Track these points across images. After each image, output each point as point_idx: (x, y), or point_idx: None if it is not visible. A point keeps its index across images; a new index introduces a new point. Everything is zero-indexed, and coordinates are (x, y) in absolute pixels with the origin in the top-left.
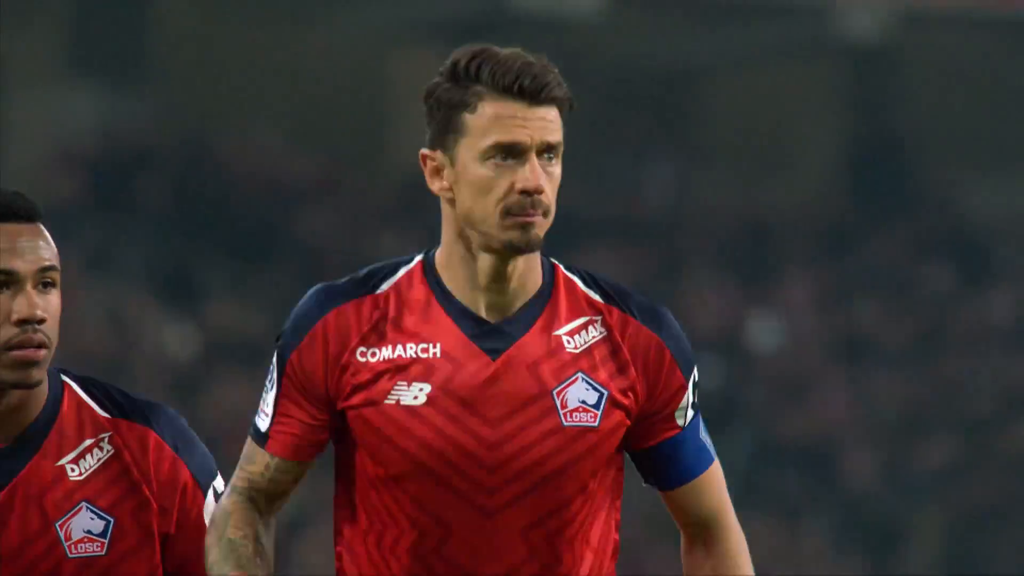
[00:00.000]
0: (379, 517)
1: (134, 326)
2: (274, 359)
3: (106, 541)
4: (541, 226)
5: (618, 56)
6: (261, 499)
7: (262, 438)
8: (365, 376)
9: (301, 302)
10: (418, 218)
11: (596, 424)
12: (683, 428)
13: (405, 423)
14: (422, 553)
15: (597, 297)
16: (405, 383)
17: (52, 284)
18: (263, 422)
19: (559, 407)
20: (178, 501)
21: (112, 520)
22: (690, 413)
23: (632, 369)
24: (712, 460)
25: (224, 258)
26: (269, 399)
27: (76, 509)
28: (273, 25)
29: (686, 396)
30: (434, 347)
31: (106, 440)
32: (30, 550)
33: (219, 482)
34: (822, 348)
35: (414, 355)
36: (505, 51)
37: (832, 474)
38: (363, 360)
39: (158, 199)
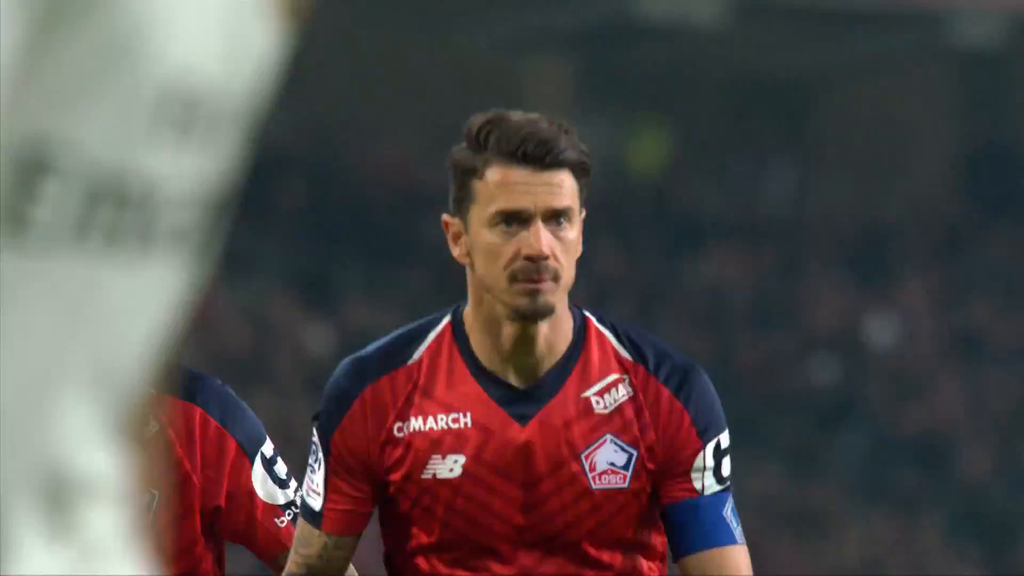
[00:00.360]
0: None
1: (273, 325)
2: (315, 438)
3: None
4: (551, 291)
5: (740, 63)
6: None
7: (316, 518)
8: (401, 451)
9: (335, 378)
10: None
11: (626, 485)
12: (701, 494)
13: (442, 495)
14: None
15: (627, 355)
16: (439, 456)
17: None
18: (315, 502)
19: (587, 470)
20: (227, 472)
21: (155, 494)
22: (711, 482)
23: (652, 431)
24: (734, 541)
25: (359, 260)
26: (317, 479)
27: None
28: (408, 35)
29: (701, 458)
30: (464, 417)
31: (152, 416)
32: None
33: (267, 447)
34: (937, 345)
35: (446, 426)
36: (519, 116)
37: (948, 469)
38: (399, 435)
39: (296, 203)
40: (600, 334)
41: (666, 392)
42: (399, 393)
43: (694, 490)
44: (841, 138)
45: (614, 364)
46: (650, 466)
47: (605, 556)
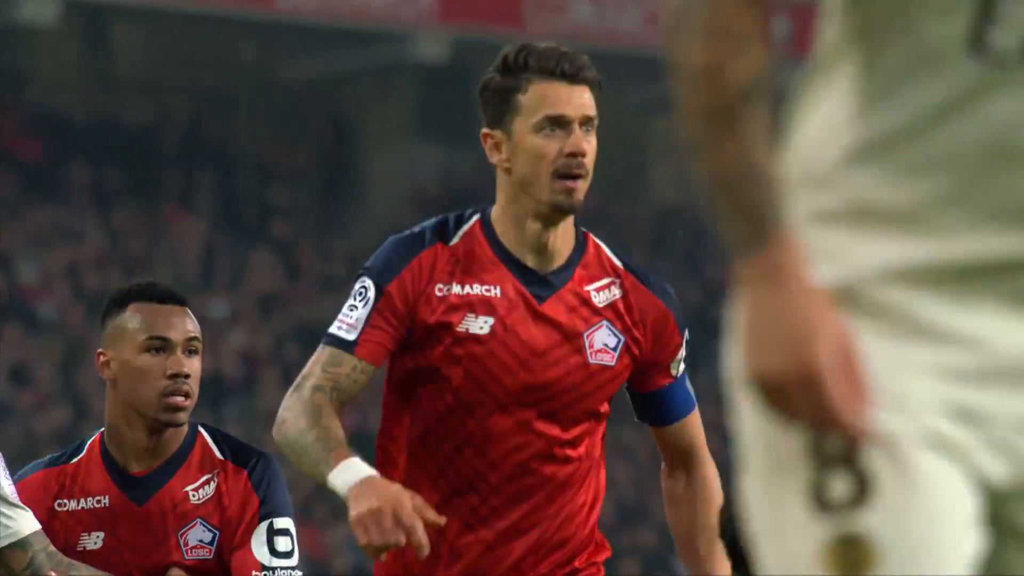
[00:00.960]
0: (429, 420)
1: None
2: (366, 287)
3: (213, 548)
4: (582, 190)
5: None
6: (338, 398)
7: (350, 346)
8: (443, 307)
9: (393, 243)
10: (670, 245)
11: (613, 364)
12: (675, 378)
13: (470, 348)
14: (462, 453)
15: (619, 264)
16: (473, 315)
17: (195, 352)
18: (349, 334)
19: (587, 347)
20: (244, 525)
21: (218, 532)
22: (682, 367)
23: (641, 326)
24: (695, 405)
25: None
26: (358, 315)
27: (192, 524)
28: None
29: (681, 352)
30: (495, 289)
31: (215, 476)
32: (157, 552)
33: (281, 521)
34: None
35: (480, 293)
36: (544, 44)
37: None
38: (442, 294)
39: None
40: (597, 245)
41: (653, 298)
42: (444, 263)
43: (672, 376)
44: None
45: (609, 269)
46: (635, 351)
47: (582, 420)
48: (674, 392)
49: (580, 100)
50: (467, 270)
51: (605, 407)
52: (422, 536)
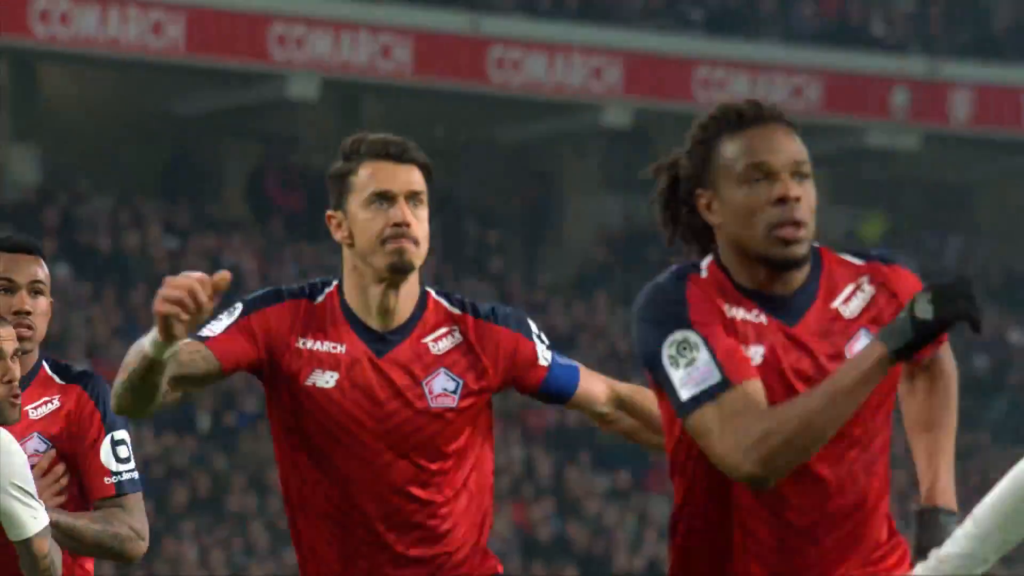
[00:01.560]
0: (302, 468)
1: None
2: (235, 307)
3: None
4: (413, 252)
5: (928, 174)
6: (174, 365)
7: (202, 338)
8: (295, 358)
9: (266, 291)
10: None
11: (455, 405)
12: (548, 365)
13: (319, 400)
14: (331, 493)
15: (456, 311)
16: (320, 369)
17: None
18: (205, 332)
19: (427, 393)
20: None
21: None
22: (546, 354)
23: (489, 357)
24: (577, 368)
25: None
26: (218, 325)
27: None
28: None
29: (536, 350)
30: (340, 346)
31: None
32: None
33: (121, 433)
34: None
35: (328, 350)
36: (377, 134)
37: None
38: (298, 346)
39: (664, 266)
40: (437, 300)
41: (497, 327)
42: (306, 317)
43: (544, 368)
44: (992, 220)
45: (447, 319)
46: (483, 384)
47: (440, 458)
48: (554, 375)
49: (406, 178)
50: (321, 327)
51: (462, 441)
52: (205, 296)
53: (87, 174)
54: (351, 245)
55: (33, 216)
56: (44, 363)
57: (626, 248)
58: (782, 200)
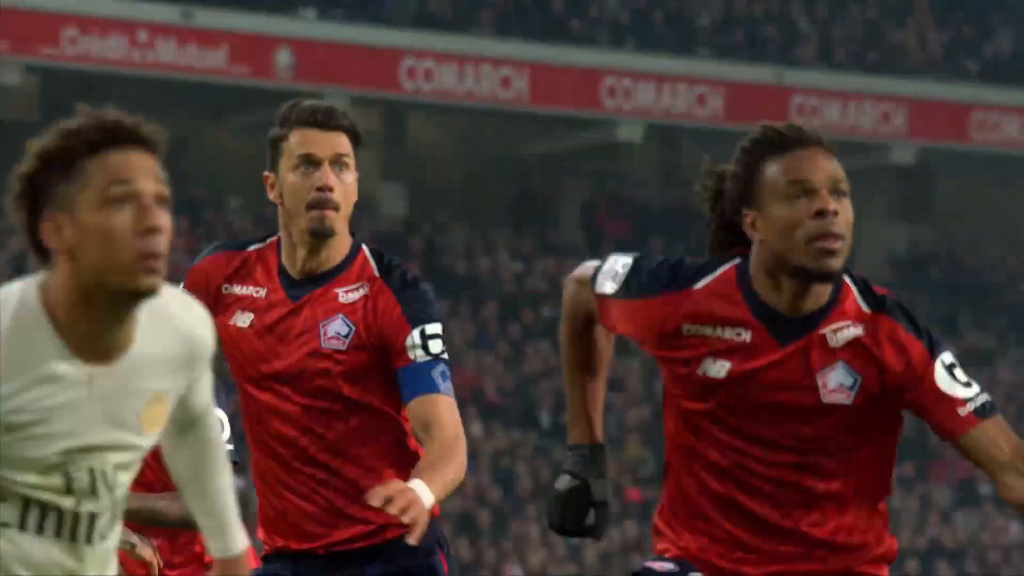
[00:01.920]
0: (241, 402)
1: None
2: (183, 277)
3: (347, 341)
4: (333, 218)
5: None
6: None
7: None
8: (223, 300)
9: (209, 247)
10: None
11: (344, 348)
12: (412, 362)
13: (236, 337)
14: (253, 427)
15: (376, 273)
16: (240, 310)
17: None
18: None
19: (322, 336)
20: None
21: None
22: (423, 355)
23: (374, 319)
24: (437, 390)
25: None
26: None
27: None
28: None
29: (411, 340)
30: (262, 291)
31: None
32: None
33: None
34: None
35: (250, 294)
36: (310, 100)
37: None
38: (224, 291)
39: (942, 294)
40: (366, 256)
41: (392, 297)
42: (238, 265)
43: (409, 360)
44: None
45: (364, 277)
46: (365, 340)
47: (327, 397)
48: (409, 374)
49: (332, 143)
50: (249, 275)
51: (350, 390)
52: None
53: (446, 207)
54: (282, 204)
55: (400, 244)
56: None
57: (911, 271)
58: (821, 213)
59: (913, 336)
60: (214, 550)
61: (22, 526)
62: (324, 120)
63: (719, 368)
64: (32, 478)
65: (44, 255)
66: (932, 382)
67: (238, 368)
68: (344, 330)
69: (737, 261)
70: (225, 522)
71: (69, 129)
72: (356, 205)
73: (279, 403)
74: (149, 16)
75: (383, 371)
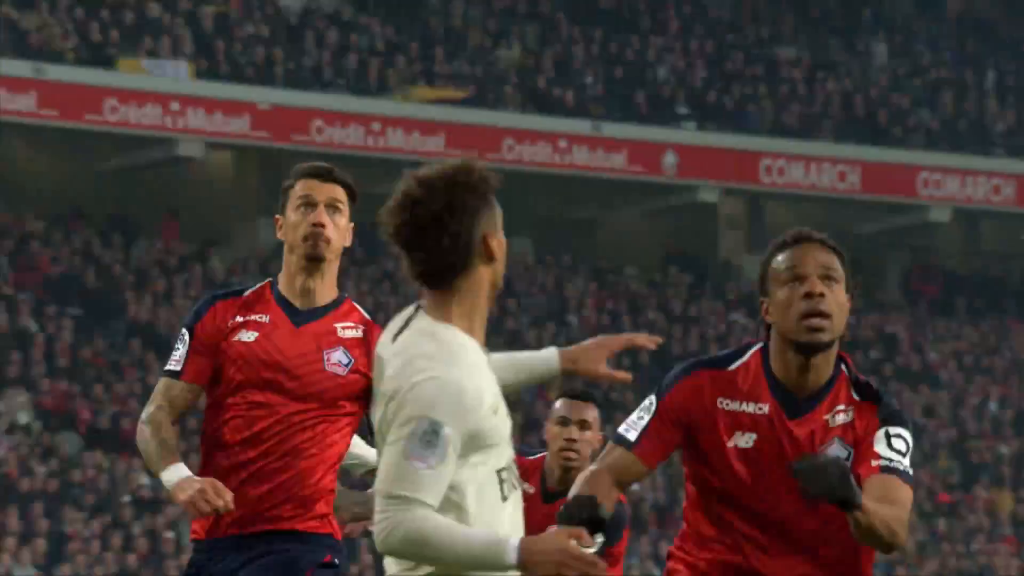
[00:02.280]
0: (222, 405)
1: None
2: (184, 336)
3: (347, 369)
4: (323, 248)
5: None
6: (173, 412)
7: (177, 375)
8: (231, 332)
9: (200, 302)
10: None
11: (344, 374)
12: None
13: (241, 350)
14: (238, 424)
15: (367, 317)
16: (246, 330)
17: None
18: (175, 366)
19: (325, 360)
20: None
21: (354, 361)
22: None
23: (367, 353)
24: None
25: None
26: (179, 355)
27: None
28: None
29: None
30: (265, 317)
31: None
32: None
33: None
34: None
35: (255, 319)
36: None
37: None
38: (230, 325)
39: None
40: (354, 305)
41: (377, 333)
42: (240, 305)
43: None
44: None
45: (358, 318)
46: (362, 371)
47: (321, 407)
48: None
49: (328, 190)
50: (251, 309)
51: (346, 405)
52: (229, 503)
53: None
54: (285, 240)
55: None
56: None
57: None
58: (809, 295)
59: (881, 416)
60: None
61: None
62: (323, 173)
63: (747, 440)
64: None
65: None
66: (871, 440)
67: (240, 374)
68: (345, 360)
69: (761, 345)
70: None
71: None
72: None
73: (278, 407)
74: (567, 128)
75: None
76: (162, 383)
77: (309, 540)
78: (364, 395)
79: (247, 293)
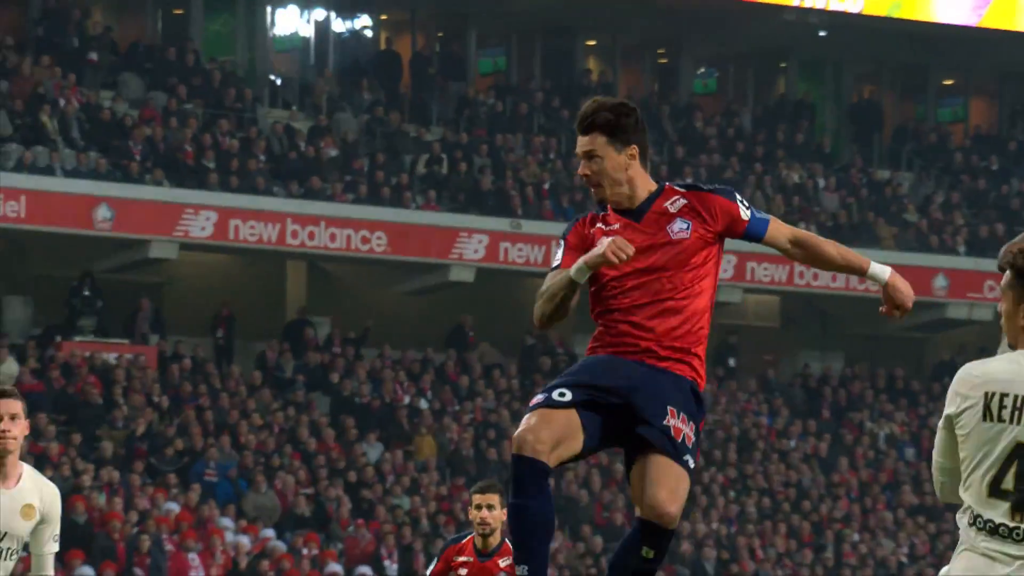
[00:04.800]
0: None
1: None
2: (559, 243)
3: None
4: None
5: None
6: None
7: (557, 267)
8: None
9: (573, 220)
10: None
11: (687, 237)
12: (748, 219)
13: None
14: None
15: (683, 189)
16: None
17: None
18: (555, 262)
19: (669, 231)
20: None
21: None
22: (746, 212)
23: (705, 214)
24: (769, 219)
25: None
26: (559, 253)
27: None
28: None
29: (739, 207)
30: (616, 225)
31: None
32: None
33: None
34: None
35: (600, 228)
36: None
37: None
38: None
39: None
40: (671, 186)
41: (708, 194)
42: (594, 218)
43: (745, 220)
44: None
45: (677, 194)
46: (706, 228)
47: (685, 271)
48: (752, 224)
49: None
50: (602, 219)
51: (699, 268)
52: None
53: None
54: None
55: None
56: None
57: None
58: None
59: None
60: None
61: None
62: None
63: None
64: None
65: None
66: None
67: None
68: (684, 225)
69: None
70: None
71: None
72: None
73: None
74: None
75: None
76: (551, 278)
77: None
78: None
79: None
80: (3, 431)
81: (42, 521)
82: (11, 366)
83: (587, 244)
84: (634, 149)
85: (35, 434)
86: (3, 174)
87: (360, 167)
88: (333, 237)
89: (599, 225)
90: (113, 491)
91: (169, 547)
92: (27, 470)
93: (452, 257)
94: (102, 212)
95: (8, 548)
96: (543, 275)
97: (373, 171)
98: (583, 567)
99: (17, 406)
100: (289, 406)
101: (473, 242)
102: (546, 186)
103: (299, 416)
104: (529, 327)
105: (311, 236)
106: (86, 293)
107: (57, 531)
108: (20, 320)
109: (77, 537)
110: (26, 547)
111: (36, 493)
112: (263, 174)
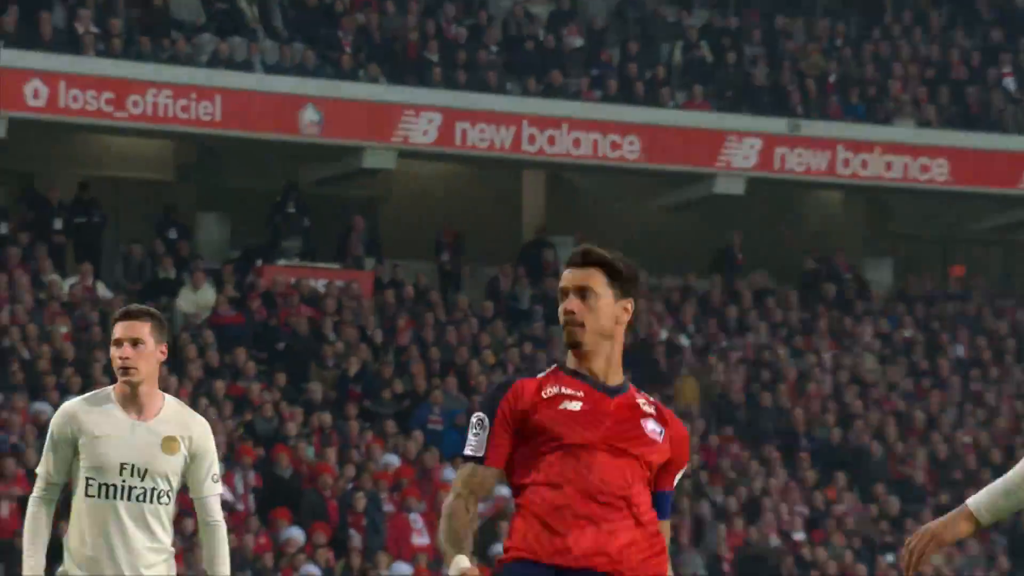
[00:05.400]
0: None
1: None
2: (484, 422)
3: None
4: (580, 334)
5: None
6: (474, 499)
7: (480, 460)
8: (539, 407)
9: (495, 388)
10: None
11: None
12: None
13: (563, 419)
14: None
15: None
16: (567, 401)
17: None
18: (470, 453)
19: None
20: None
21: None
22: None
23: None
24: None
25: None
26: (483, 438)
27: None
28: None
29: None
30: (580, 392)
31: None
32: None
33: None
34: None
35: (570, 393)
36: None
37: None
38: (540, 399)
39: None
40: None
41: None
42: (538, 381)
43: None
44: None
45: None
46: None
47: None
48: None
49: (580, 276)
50: (555, 383)
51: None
52: None
53: None
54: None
55: None
56: None
57: None
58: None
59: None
60: None
61: None
62: (575, 260)
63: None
64: None
65: None
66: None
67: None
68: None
69: None
70: None
71: None
72: None
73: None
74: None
75: None
76: (464, 470)
77: None
78: None
79: (541, 375)
80: (123, 358)
81: (192, 457)
82: (207, 294)
83: (523, 421)
84: (629, 304)
85: (234, 373)
86: (195, 70)
87: (609, 59)
88: (577, 143)
89: (552, 390)
90: (324, 440)
91: (388, 507)
92: (169, 401)
93: (718, 165)
94: (308, 114)
95: (154, 489)
96: (827, 186)
97: (624, 63)
98: (876, 533)
99: (143, 329)
100: (526, 341)
101: (743, 147)
102: (832, 79)
103: (537, 352)
104: (809, 248)
105: (551, 141)
106: (290, 210)
107: (216, 470)
108: (216, 241)
109: (282, 493)
110: (186, 489)
111: (179, 426)
112: (495, 68)
